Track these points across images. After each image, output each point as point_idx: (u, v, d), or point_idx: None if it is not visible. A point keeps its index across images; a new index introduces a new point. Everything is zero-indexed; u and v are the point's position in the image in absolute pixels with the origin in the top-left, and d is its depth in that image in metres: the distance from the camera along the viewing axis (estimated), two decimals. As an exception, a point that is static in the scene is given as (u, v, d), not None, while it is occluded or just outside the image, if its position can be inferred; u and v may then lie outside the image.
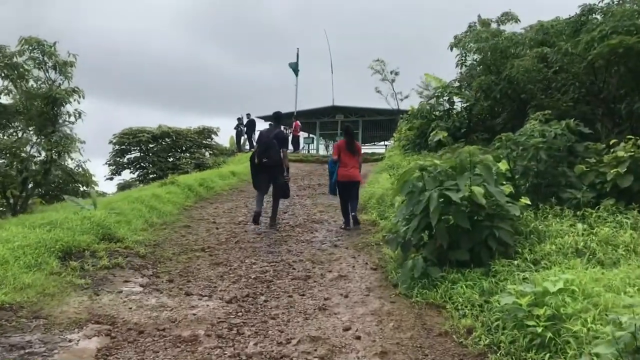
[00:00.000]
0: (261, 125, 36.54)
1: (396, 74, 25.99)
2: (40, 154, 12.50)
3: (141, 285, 5.84)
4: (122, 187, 22.62)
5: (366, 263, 6.94)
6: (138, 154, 24.90)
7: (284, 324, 4.82)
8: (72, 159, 15.59)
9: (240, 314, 5.07)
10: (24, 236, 6.34)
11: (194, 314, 4.96)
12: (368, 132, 34.83)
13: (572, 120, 7.49)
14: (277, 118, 10.01)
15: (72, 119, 12.50)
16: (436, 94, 13.93)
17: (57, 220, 7.18)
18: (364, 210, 10.79)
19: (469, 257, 5.73)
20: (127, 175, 25.27)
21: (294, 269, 6.73)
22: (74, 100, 12.25)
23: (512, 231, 5.89)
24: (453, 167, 6.20)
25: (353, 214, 9.31)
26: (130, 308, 5.06)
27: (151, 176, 23.87)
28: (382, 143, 36.37)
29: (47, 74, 12.16)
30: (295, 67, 32.60)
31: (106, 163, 24.18)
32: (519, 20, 12.33)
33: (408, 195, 6.25)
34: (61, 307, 4.90)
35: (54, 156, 12.49)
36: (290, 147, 32.56)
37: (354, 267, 6.79)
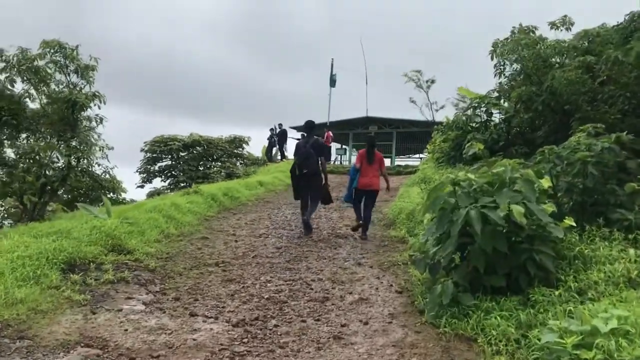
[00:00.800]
0: (293, 135, 36.35)
1: (432, 82, 25.30)
2: (59, 159, 12.32)
3: (144, 303, 5.39)
4: (152, 195, 22.48)
5: (391, 285, 6.36)
6: (169, 162, 24.81)
7: (293, 354, 4.29)
8: (98, 165, 15.48)
9: (245, 340, 4.55)
10: (27, 246, 5.99)
11: (194, 339, 4.47)
12: (402, 144, 34.14)
13: (624, 133, 6.77)
14: (309, 127, 10.06)
15: (94, 124, 12.31)
16: (473, 105, 13.26)
17: (64, 229, 6.82)
18: (392, 225, 10.21)
19: (505, 284, 5.12)
20: (158, 183, 25.22)
21: (311, 289, 6.19)
22: (95, 105, 12.05)
23: (554, 255, 5.24)
24: (489, 183, 5.58)
25: (363, 233, 9.40)
26: (126, 330, 4.60)
27: (182, 185, 23.73)
28: (416, 156, 35.68)
29: (68, 78, 12.01)
30: (332, 78, 32.26)
31: (137, 171, 24.15)
32: (571, 27, 11.39)
33: (439, 212, 5.66)
34: (51, 327, 4.47)
35: (72, 162, 12.28)
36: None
37: (377, 289, 6.22)
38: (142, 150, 24.35)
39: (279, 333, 4.74)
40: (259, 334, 4.69)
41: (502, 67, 12.32)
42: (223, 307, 5.40)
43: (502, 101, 13.06)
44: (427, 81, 24.88)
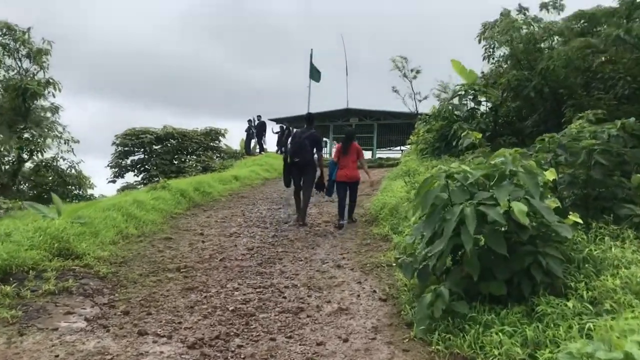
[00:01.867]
0: (271, 127, 35.47)
1: (417, 72, 24.53)
2: (9, 153, 11.33)
3: (86, 319, 4.59)
4: (123, 190, 21.54)
5: (374, 291, 5.64)
6: (142, 156, 23.83)
7: (257, 385, 3.54)
8: (63, 159, 14.56)
9: (201, 366, 3.80)
10: (-50, 253, 5.15)
11: (139, 368, 3.70)
12: (383, 136, 33.43)
13: (632, 119, 6.10)
14: (308, 120, 10.23)
15: (49, 114, 11.35)
16: (459, 93, 12.57)
17: (2, 231, 5.97)
18: (374, 222, 9.50)
19: (506, 291, 4.43)
20: (131, 177, 24.23)
21: (284, 297, 5.44)
22: (49, 92, 11.09)
23: (561, 258, 4.55)
24: (487, 176, 4.87)
25: (348, 217, 9.70)
26: (57, 356, 3.80)
27: (155, 179, 22.78)
28: (398, 148, 35.04)
29: (19, 63, 11.03)
30: (313, 70, 31.34)
31: (108, 165, 23.14)
32: (562, 10, 10.72)
33: (430, 209, 4.94)
34: (-38, 355, 3.67)
35: (24, 156, 11.29)
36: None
37: (358, 296, 5.49)
38: (113, 143, 23.34)
39: (242, 356, 3.98)
40: (219, 357, 3.94)
41: (491, 50, 11.63)
42: (179, 322, 4.62)
43: (489, 88, 12.39)
44: (412, 70, 24.11)
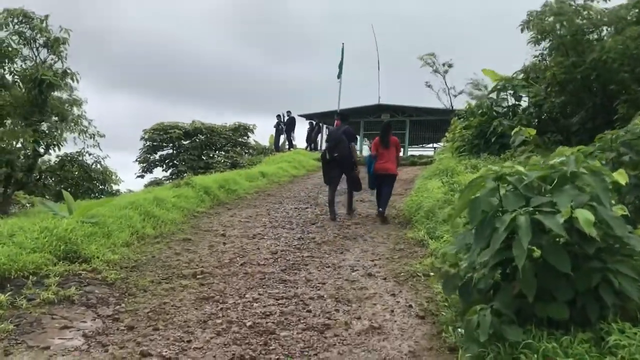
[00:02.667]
0: (301, 124, 34.97)
1: (449, 66, 23.60)
2: (24, 147, 10.95)
3: (85, 335, 4.08)
4: (151, 185, 21.29)
5: (410, 305, 5.01)
6: (170, 151, 23.55)
7: None
8: (89, 154, 14.25)
9: (208, 399, 3.24)
10: (-54, 254, 4.71)
11: (135, 400, 3.16)
12: (416, 133, 32.57)
13: None
14: (342, 116, 11.08)
15: (75, 109, 10.98)
16: (498, 87, 11.77)
17: (5, 231, 5.53)
18: (408, 224, 8.86)
19: (569, 315, 3.76)
20: (159, 172, 23.99)
21: (309, 311, 4.86)
22: (67, 84, 10.68)
23: (635, 277, 3.86)
24: (543, 178, 4.19)
25: (381, 209, 9.49)
26: (42, 383, 3.30)
27: (183, 175, 22.49)
28: (430, 145, 34.19)
29: (36, 53, 10.64)
30: (340, 65, 30.75)
31: (136, 160, 22.91)
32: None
33: (477, 216, 4.28)
34: None
35: (39, 150, 10.89)
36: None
37: (392, 311, 4.87)
38: (141, 138, 23.12)
39: (257, 387, 3.41)
40: (230, 388, 3.37)
41: (538, 38, 10.75)
42: (189, 341, 4.08)
43: (530, 83, 11.57)
44: (443, 64, 23.16)
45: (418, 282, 5.78)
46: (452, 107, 23.98)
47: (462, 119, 13.61)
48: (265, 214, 9.90)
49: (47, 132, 10.37)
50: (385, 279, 5.95)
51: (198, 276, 5.73)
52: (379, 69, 32.47)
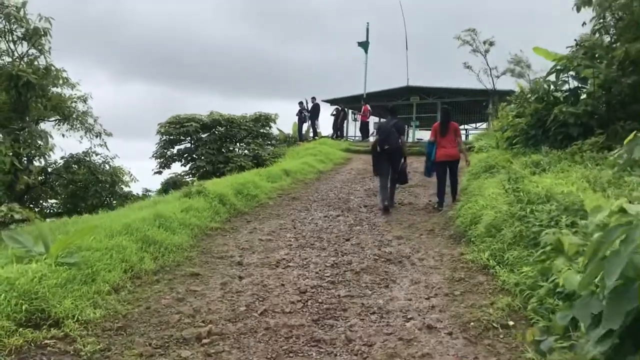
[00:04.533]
0: (325, 109, 33.37)
1: (490, 44, 21.63)
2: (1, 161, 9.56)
3: None
4: (167, 184, 20.02)
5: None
6: (188, 145, 22.23)
7: None
8: (96, 154, 12.95)
9: None
10: None
11: None
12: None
13: None
14: (392, 111, 11.08)
15: (79, 105, 9.61)
16: (556, 68, 10.05)
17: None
18: (462, 239, 7.34)
19: None
20: (177, 168, 22.71)
21: (356, 406, 3.40)
22: (49, 82, 9.29)
23: None
24: None
25: (455, 196, 9.78)
26: None
27: (202, 170, 21.19)
28: (462, 128, 32.33)
29: (12, 47, 9.20)
30: (365, 46, 29.09)
31: (153, 156, 21.63)
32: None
33: (614, 281, 2.75)
34: None
35: (18, 164, 9.34)
36: (359, 133, 29.23)
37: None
38: (157, 132, 21.80)
39: None
40: None
41: (602, 17, 9.04)
42: None
43: (595, 63, 9.82)
44: (484, 42, 21.27)
45: (497, 339, 4.28)
46: (495, 89, 22.04)
47: (513, 105, 11.90)
48: (290, 227, 8.45)
49: (27, 142, 8.92)
50: (451, 333, 4.45)
51: (204, 339, 4.29)
52: (407, 48, 30.88)
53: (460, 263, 6.39)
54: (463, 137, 27.22)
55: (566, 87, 10.24)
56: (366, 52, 28.97)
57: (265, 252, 6.93)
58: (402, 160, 10.10)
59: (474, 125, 35.17)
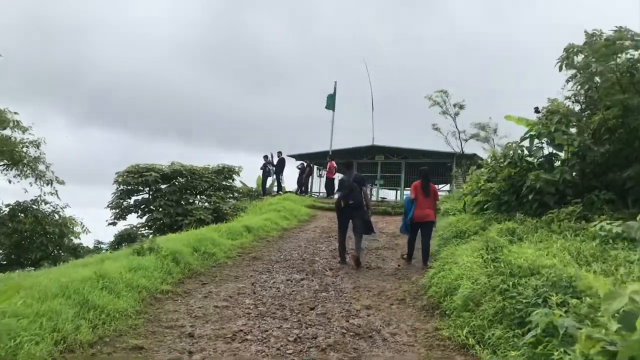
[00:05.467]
0: (291, 164, 32.99)
1: (460, 107, 21.78)
2: None
3: None
4: (121, 236, 18.99)
5: None
6: (146, 196, 21.34)
7: None
8: (45, 203, 12.11)
9: None
10: None
11: None
12: (412, 176, 30.68)
13: None
14: (347, 165, 11.34)
15: (31, 150, 8.75)
16: (531, 133, 9.84)
17: None
18: (435, 311, 6.79)
19: None
20: (133, 219, 21.71)
21: None
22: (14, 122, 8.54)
23: None
24: None
25: (425, 259, 9.69)
26: None
27: (159, 222, 20.29)
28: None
29: None
30: (331, 101, 29.12)
31: (108, 206, 20.62)
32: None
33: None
34: None
35: None
36: (324, 190, 28.84)
37: None
38: (115, 181, 20.89)
39: None
40: None
41: (585, 76, 8.87)
42: None
43: (569, 128, 9.68)
44: (454, 105, 21.38)
45: None
46: (463, 152, 22.06)
47: (483, 169, 11.63)
48: (249, 291, 7.74)
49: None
50: None
51: None
52: (372, 108, 30.92)
53: (435, 340, 5.81)
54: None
55: (540, 153, 10.02)
56: (333, 108, 28.94)
57: (221, 321, 6.21)
58: (367, 210, 10.17)
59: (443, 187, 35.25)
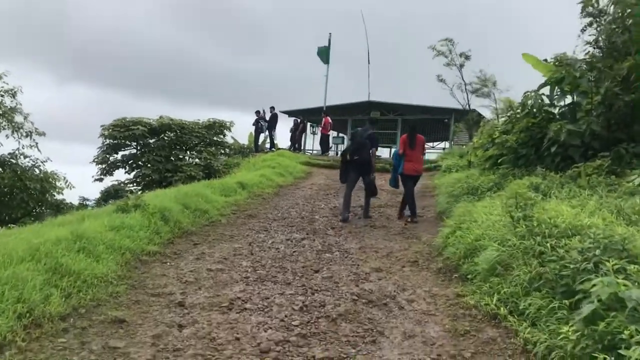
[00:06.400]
0: (284, 121, 32.07)
1: (466, 57, 20.69)
2: None
3: None
4: (107, 192, 18.17)
5: None
6: (134, 151, 20.43)
7: None
8: (24, 156, 11.25)
9: None
10: None
11: None
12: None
13: None
14: (371, 122, 10.83)
15: (6, 99, 7.89)
16: (554, 79, 8.95)
17: None
18: (455, 274, 6.10)
19: None
20: (121, 175, 20.84)
21: None
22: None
23: None
24: None
25: (415, 219, 9.53)
26: None
27: (148, 178, 19.45)
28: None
29: None
30: (325, 54, 27.98)
31: (94, 161, 19.70)
32: None
33: None
34: None
35: None
36: (318, 147, 27.99)
37: None
38: (101, 135, 19.91)
39: None
40: None
41: (613, 20, 7.97)
42: None
43: (593, 74, 8.80)
44: (460, 55, 20.30)
45: None
46: (469, 105, 21.13)
47: (505, 119, 10.62)
48: (246, 252, 7.00)
49: None
50: None
51: None
52: (369, 62, 29.76)
53: (459, 308, 5.12)
54: (433, 156, 26.44)
55: (563, 102, 9.20)
56: (327, 61, 27.83)
57: (215, 287, 5.47)
58: (371, 172, 9.86)
59: (431, 144, 34.43)
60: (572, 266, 4.27)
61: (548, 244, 4.89)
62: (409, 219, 9.55)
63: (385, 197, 12.50)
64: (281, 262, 6.57)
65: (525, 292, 4.69)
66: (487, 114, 23.20)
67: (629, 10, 7.86)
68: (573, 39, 10.19)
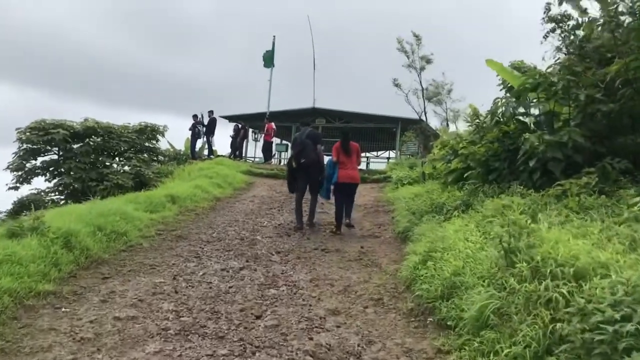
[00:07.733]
0: (224, 126, 30.42)
1: (427, 62, 19.77)
2: None
3: None
4: (21, 203, 16.12)
5: None
6: (55, 156, 18.39)
7: None
8: None
9: None
10: None
11: None
12: (355, 142, 28.99)
13: None
14: (303, 122, 11.07)
15: None
16: (528, 84, 7.90)
17: None
18: (430, 316, 4.93)
19: None
20: (41, 183, 18.70)
21: None
22: None
23: None
24: None
25: (348, 220, 9.27)
26: None
27: (71, 187, 17.48)
28: (363, 155, 30.68)
29: None
30: (270, 58, 26.75)
31: (8, 168, 17.53)
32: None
33: None
34: None
35: None
36: (260, 155, 26.64)
37: None
38: (17, 139, 17.76)
39: None
40: None
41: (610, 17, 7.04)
42: None
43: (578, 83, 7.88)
44: (422, 58, 19.35)
45: None
46: (425, 112, 20.24)
47: (474, 128, 9.48)
48: (170, 289, 5.59)
49: None
50: None
51: None
52: (314, 67, 28.69)
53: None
54: (363, 166, 25.56)
55: (538, 110, 8.25)
56: (271, 64, 26.61)
57: (121, 347, 4.05)
58: (323, 172, 9.44)
59: (375, 153, 33.67)
60: (610, 328, 3.14)
61: (562, 290, 3.78)
62: (337, 228, 9.20)
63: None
64: (213, 304, 5.21)
65: (536, 356, 3.55)
66: (437, 122, 22.60)
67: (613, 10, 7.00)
68: (535, 46, 9.22)
